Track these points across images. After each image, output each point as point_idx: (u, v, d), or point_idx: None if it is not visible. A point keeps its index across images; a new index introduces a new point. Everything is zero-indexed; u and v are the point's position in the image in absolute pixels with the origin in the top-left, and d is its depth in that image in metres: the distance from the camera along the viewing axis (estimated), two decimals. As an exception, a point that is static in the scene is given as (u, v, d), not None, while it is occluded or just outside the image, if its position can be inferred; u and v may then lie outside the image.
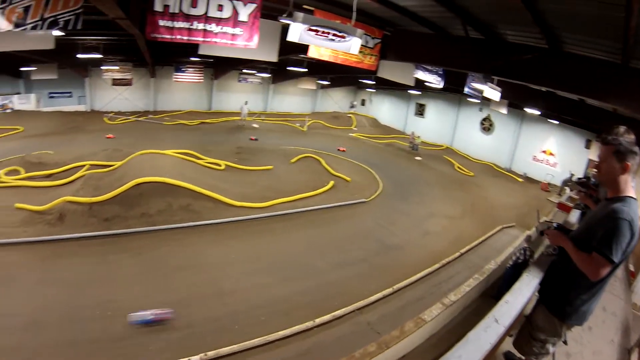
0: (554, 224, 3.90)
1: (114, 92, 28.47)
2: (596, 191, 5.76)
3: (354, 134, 29.73)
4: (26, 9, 8.12)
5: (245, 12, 8.31)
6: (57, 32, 9.50)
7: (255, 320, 7.28)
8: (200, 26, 8.04)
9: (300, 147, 21.44)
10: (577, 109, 15.73)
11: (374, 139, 28.62)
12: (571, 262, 2.92)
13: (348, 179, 16.38)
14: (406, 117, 33.97)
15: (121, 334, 6.73)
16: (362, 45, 10.03)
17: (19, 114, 24.25)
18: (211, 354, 6.10)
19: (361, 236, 11.73)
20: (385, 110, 36.41)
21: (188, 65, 27.69)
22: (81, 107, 27.75)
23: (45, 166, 15.09)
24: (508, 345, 3.75)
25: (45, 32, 8.91)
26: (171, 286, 8.23)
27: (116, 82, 28.00)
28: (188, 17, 7.93)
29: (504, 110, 21.99)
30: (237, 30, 8.33)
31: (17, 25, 8.23)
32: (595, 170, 3.23)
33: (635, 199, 2.76)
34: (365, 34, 11.11)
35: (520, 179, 23.68)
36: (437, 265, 9.83)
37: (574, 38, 7.84)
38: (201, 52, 10.98)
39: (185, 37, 8.10)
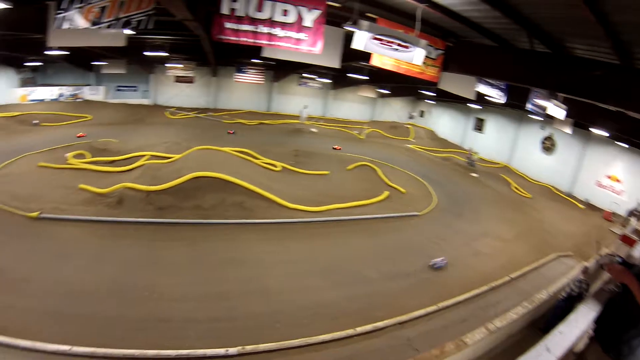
0: (617, 258, 3.62)
1: (177, 89, 30.28)
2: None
3: (411, 146, 29.20)
4: (102, 9, 8.97)
5: (309, 18, 8.47)
6: (128, 31, 10.22)
7: (297, 322, 7.36)
8: (265, 30, 8.30)
9: (357, 154, 21.42)
10: (651, 132, 14.53)
11: (430, 152, 28.00)
12: (634, 300, 2.72)
13: (403, 190, 16.17)
14: (464, 131, 32.94)
15: (166, 317, 7.12)
16: (425, 56, 9.91)
17: (89, 103, 26.78)
18: (249, 348, 6.22)
19: (410, 249, 11.54)
20: (444, 123, 35.51)
21: (249, 67, 28.62)
22: (145, 101, 29.94)
23: (109, 153, 16.39)
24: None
25: (118, 31, 9.62)
26: (218, 278, 8.54)
27: (179, 79, 29.84)
28: (254, 21, 8.22)
29: (568, 130, 20.73)
30: (302, 35, 8.51)
31: (94, 24, 9.08)
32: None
33: None
34: (428, 45, 10.94)
35: (581, 205, 22.01)
36: (484, 288, 9.40)
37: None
38: (264, 54, 11.30)
39: (250, 40, 8.41)
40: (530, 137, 27.04)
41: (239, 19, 8.16)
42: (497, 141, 29.66)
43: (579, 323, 2.93)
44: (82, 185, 12.33)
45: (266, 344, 6.34)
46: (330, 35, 9.79)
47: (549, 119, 18.62)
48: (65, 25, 9.23)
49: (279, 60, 19.07)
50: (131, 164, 14.64)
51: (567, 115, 14.02)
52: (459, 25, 9.89)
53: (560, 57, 9.32)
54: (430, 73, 11.68)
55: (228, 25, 8.20)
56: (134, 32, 11.81)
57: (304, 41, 8.56)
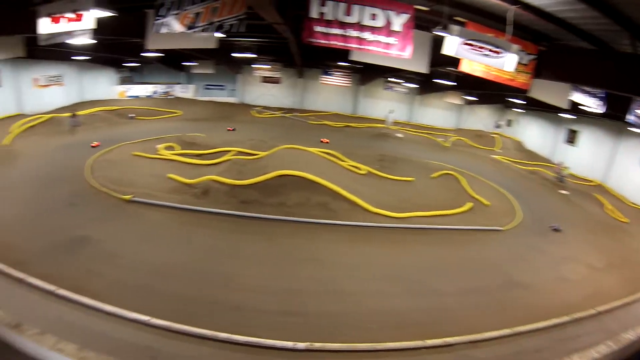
0: None
1: (263, 89, 31.79)
2: None
3: (496, 156, 27.55)
4: (197, 15, 9.84)
5: (398, 22, 8.42)
6: (219, 34, 10.96)
7: (367, 326, 7.32)
8: (355, 33, 8.39)
9: (441, 162, 20.85)
10: None
11: (517, 164, 26.33)
12: None
13: (487, 202, 15.41)
14: (554, 143, 30.31)
15: (239, 304, 7.49)
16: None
17: (179, 100, 29.35)
18: (317, 345, 6.34)
19: (489, 266, 10.94)
20: (532, 133, 32.95)
21: (335, 69, 29.06)
22: (232, 99, 31.70)
23: (196, 146, 17.65)
24: None
25: (210, 34, 10.39)
26: (294, 274, 8.80)
27: (265, 80, 31.33)
28: (343, 25, 8.35)
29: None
30: (391, 40, 8.47)
31: (189, 28, 10.03)
32: None
33: None
34: (520, 50, 10.35)
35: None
36: (565, 318, 8.61)
37: None
38: (352, 58, 11.40)
39: (340, 43, 8.56)
40: (631, 154, 24.11)
41: (329, 23, 8.35)
42: (591, 156, 26.87)
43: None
44: (171, 175, 13.44)
45: (334, 343, 6.42)
46: (418, 40, 9.60)
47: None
48: (163, 30, 10.26)
49: (365, 64, 19.17)
50: (217, 158, 15.57)
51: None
52: (552, 27, 9.21)
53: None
54: (520, 80, 10.99)
55: (318, 28, 8.42)
56: (224, 35, 12.66)
57: (393, 45, 8.52)
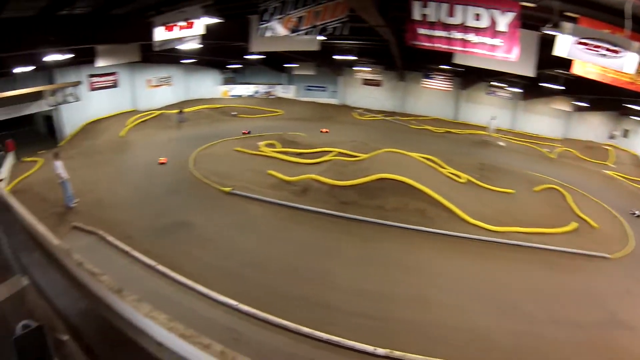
0: None
1: (364, 91, 32.00)
2: None
3: (609, 172, 23.85)
4: (300, 19, 10.24)
5: (503, 22, 7.89)
6: (321, 37, 11.24)
7: (450, 342, 7.01)
8: (459, 35, 8.06)
9: (545, 175, 19.24)
10: None
11: (634, 183, 22.90)
12: None
13: (595, 225, 13.71)
14: (680, 158, 26.29)
15: (325, 302, 7.67)
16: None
17: (281, 100, 30.75)
18: (397, 353, 6.23)
19: (590, 297, 9.60)
20: (653, 146, 28.72)
21: (436, 72, 28.21)
22: (332, 101, 32.48)
23: (297, 145, 18.31)
24: None
25: (312, 37, 10.70)
26: (384, 278, 8.76)
27: (366, 82, 31.54)
28: (446, 26, 8.06)
29: None
30: (497, 41, 7.97)
31: (292, 31, 10.48)
32: None
33: None
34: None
35: None
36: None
37: None
38: (456, 61, 10.97)
39: (444, 46, 8.29)
40: None
41: (432, 25, 8.13)
42: None
43: None
44: (271, 171, 14.07)
45: (414, 355, 6.25)
46: (524, 40, 8.83)
47: None
48: (267, 34, 10.87)
49: (467, 67, 18.29)
50: (317, 158, 15.91)
51: None
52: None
53: None
54: (642, 83, 9.65)
55: (421, 31, 8.25)
56: (326, 38, 12.97)
57: (499, 47, 8.01)
